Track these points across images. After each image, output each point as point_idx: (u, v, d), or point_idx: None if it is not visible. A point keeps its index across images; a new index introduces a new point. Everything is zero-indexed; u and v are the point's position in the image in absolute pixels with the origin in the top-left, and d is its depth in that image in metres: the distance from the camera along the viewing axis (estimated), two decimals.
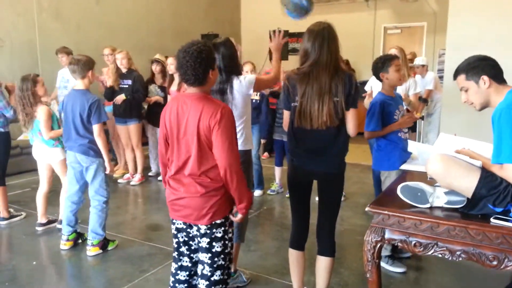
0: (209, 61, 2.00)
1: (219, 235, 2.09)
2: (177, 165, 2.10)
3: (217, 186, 2.05)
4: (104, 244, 3.54)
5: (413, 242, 1.89)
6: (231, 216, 2.14)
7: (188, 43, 1.99)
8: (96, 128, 3.35)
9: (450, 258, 1.83)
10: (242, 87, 2.66)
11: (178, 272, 2.25)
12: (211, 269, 2.11)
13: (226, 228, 2.12)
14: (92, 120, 3.32)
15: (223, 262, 2.14)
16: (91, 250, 3.48)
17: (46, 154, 3.83)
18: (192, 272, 2.24)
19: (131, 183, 5.56)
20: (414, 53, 6.90)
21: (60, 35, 6.83)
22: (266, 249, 3.59)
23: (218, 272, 2.12)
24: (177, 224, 2.17)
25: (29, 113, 3.69)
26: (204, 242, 2.10)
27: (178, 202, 2.10)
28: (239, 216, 2.14)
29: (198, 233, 2.11)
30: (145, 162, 5.82)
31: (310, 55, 2.30)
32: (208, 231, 2.08)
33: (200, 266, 2.15)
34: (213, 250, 2.10)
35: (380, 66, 3.08)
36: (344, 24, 8.49)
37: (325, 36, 2.29)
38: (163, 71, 5.61)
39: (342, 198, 4.58)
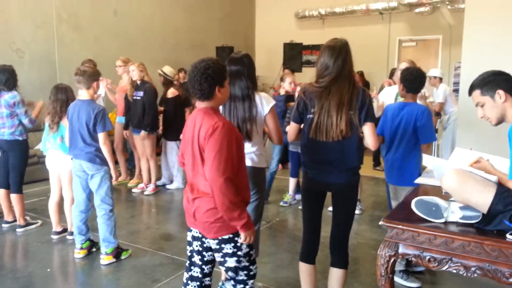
0: (217, 77, 2.03)
1: (229, 251, 2.09)
2: (189, 176, 2.15)
3: None
4: (118, 253, 3.57)
5: (427, 257, 1.87)
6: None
7: (200, 59, 2.06)
8: (101, 136, 3.42)
9: (465, 274, 1.80)
10: (263, 105, 2.69)
11: (189, 282, 2.25)
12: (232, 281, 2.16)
13: (237, 244, 2.09)
14: (97, 128, 3.39)
15: (241, 278, 2.14)
16: (105, 259, 3.52)
17: (59, 162, 3.87)
18: (203, 284, 2.24)
19: (145, 192, 5.60)
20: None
21: (78, 47, 6.99)
22: (278, 261, 3.58)
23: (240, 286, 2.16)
24: (194, 232, 2.20)
25: (58, 118, 3.78)
26: (218, 257, 2.13)
27: (190, 212, 2.14)
28: (242, 237, 2.07)
29: (211, 246, 2.14)
30: (159, 172, 5.88)
31: (331, 70, 2.34)
32: (217, 246, 2.10)
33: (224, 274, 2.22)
34: (226, 265, 2.12)
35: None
36: (359, 37, 8.53)
37: (347, 51, 2.37)
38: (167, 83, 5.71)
39: (359, 212, 4.64)
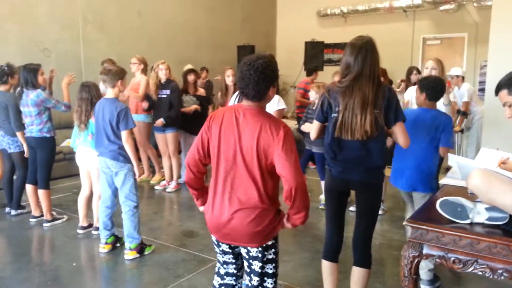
0: (273, 77, 1.94)
1: (270, 256, 2.07)
2: (221, 183, 2.02)
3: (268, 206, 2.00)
4: (141, 248, 3.64)
5: (452, 259, 1.85)
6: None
7: (253, 56, 1.93)
8: (124, 134, 3.47)
9: (491, 276, 1.77)
10: (273, 103, 2.94)
11: (225, 277, 2.22)
12: (258, 278, 2.09)
13: (277, 249, 2.11)
14: (120, 126, 3.45)
15: (270, 271, 2.11)
16: (129, 254, 3.59)
17: (88, 159, 3.96)
18: (239, 274, 2.21)
19: (167, 190, 5.68)
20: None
21: (103, 47, 7.14)
22: (299, 260, 3.58)
23: (270, 280, 2.11)
24: (224, 247, 2.14)
25: (85, 117, 3.85)
26: (255, 264, 2.08)
27: (228, 226, 2.06)
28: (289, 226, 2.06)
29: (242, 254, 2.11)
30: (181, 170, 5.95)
31: (352, 69, 2.32)
32: (259, 254, 2.06)
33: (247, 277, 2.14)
34: (263, 271, 2.10)
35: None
36: (382, 35, 8.38)
37: (368, 49, 2.31)
38: (196, 81, 5.85)
39: (381, 212, 4.59)
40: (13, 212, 4.68)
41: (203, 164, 2.10)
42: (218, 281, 2.22)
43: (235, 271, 2.20)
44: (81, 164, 4.07)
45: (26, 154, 4.40)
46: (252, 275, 2.09)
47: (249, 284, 2.12)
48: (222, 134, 1.98)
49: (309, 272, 3.33)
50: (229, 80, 4.80)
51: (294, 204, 1.96)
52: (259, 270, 2.06)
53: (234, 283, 2.21)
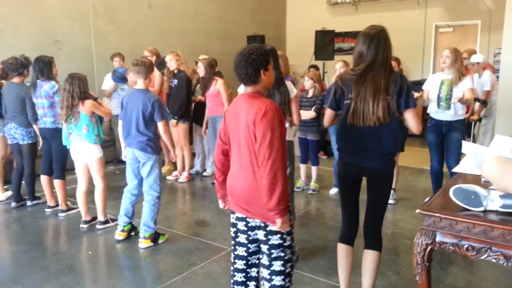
0: (260, 61, 2.09)
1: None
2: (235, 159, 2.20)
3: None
4: (155, 237, 3.69)
5: (466, 246, 1.85)
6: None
7: (245, 47, 2.15)
8: (161, 125, 3.54)
9: (505, 264, 1.77)
10: (291, 91, 3.19)
11: (236, 261, 2.31)
12: (269, 258, 2.19)
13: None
14: (156, 117, 3.50)
15: (282, 254, 2.19)
16: (143, 243, 3.64)
17: (84, 152, 3.90)
18: (249, 263, 2.30)
19: (179, 180, 5.74)
20: (472, 50, 6.07)
21: (114, 39, 7.17)
22: (311, 249, 3.60)
23: (278, 263, 2.19)
24: (238, 215, 2.25)
25: (71, 111, 3.74)
26: (261, 235, 2.18)
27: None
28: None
29: (256, 225, 2.19)
30: (192, 160, 6.00)
31: (365, 57, 2.39)
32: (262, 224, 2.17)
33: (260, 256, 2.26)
34: (270, 242, 2.18)
35: None
36: (394, 23, 8.28)
37: (380, 38, 2.37)
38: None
39: (393, 201, 4.59)
40: (29, 203, 4.75)
41: (225, 154, 2.29)
42: None
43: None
44: (77, 158, 3.98)
45: (39, 146, 4.46)
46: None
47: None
48: (230, 120, 2.20)
49: (322, 261, 3.35)
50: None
51: (264, 185, 2.03)
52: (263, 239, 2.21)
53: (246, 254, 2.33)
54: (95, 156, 3.91)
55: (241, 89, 3.20)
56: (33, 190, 4.76)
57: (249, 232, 2.23)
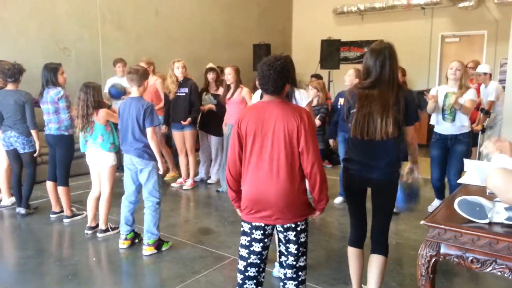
0: (288, 76, 2.24)
1: (302, 226, 2.32)
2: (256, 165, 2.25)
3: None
4: (159, 244, 3.70)
5: (470, 258, 1.83)
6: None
7: (272, 58, 2.22)
8: (149, 131, 3.53)
9: (510, 277, 1.75)
10: (301, 99, 3.03)
11: (249, 268, 2.32)
12: (296, 258, 2.31)
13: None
14: (145, 123, 3.51)
15: (305, 250, 2.35)
16: (147, 250, 3.65)
17: (99, 159, 3.95)
18: (261, 269, 2.35)
19: (184, 187, 5.74)
20: (477, 61, 6.23)
21: (121, 46, 7.23)
22: (315, 259, 3.58)
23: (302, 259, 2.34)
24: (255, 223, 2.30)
25: (86, 121, 3.81)
26: (291, 236, 2.28)
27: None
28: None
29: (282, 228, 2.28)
30: (197, 168, 6.01)
31: (372, 73, 2.46)
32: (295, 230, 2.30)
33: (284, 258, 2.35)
34: (299, 241, 2.30)
35: None
36: (399, 33, 8.35)
37: (386, 55, 2.44)
38: (217, 79, 5.80)
39: (397, 211, 4.56)
40: (22, 211, 4.65)
41: (240, 161, 2.30)
42: None
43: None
44: (91, 164, 4.04)
45: (36, 154, 4.48)
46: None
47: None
48: (251, 127, 2.23)
49: (326, 270, 3.34)
50: (229, 78, 5.19)
51: (319, 184, 2.22)
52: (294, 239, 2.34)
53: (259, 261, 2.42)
54: (109, 164, 3.95)
55: (257, 97, 3.23)
56: (28, 198, 4.70)
57: (265, 240, 2.30)
